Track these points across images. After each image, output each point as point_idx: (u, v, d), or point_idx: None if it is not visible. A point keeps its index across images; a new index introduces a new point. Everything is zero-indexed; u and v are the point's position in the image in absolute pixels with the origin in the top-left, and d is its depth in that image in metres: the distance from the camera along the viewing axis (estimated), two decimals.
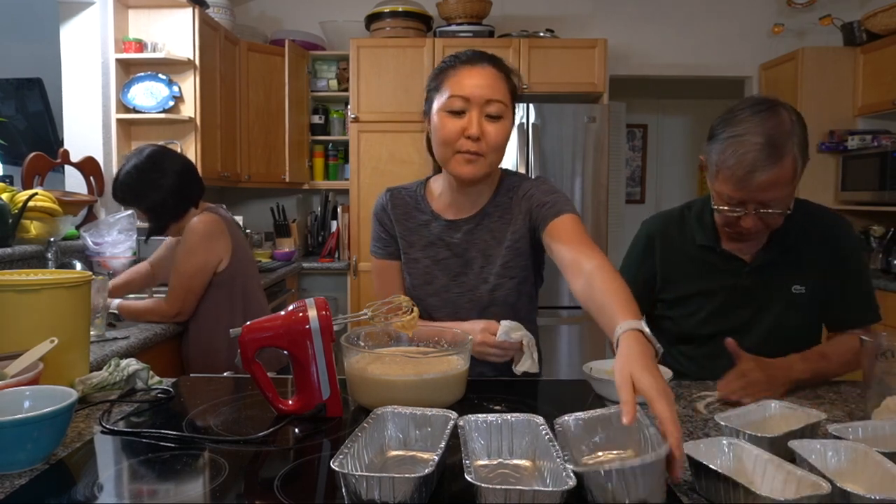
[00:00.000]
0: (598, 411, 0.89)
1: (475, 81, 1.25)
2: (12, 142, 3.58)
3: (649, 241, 1.50)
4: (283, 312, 1.06)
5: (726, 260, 1.41)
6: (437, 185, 1.41)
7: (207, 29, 3.38)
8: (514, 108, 1.31)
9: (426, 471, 0.73)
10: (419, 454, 0.90)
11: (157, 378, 1.25)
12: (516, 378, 1.34)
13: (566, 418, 0.89)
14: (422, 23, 3.85)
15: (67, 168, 2.95)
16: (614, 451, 0.87)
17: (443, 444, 0.81)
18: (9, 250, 2.18)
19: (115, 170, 3.10)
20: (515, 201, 1.36)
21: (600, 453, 0.88)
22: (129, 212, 2.53)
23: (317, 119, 4.19)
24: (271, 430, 0.99)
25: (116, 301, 2.06)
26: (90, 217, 2.92)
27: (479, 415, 0.89)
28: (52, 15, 3.10)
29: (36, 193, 2.33)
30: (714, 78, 4.40)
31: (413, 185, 1.44)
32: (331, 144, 4.24)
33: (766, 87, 4.21)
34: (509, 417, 0.89)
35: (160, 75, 3.23)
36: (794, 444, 0.81)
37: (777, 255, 1.39)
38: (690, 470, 0.81)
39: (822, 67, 3.82)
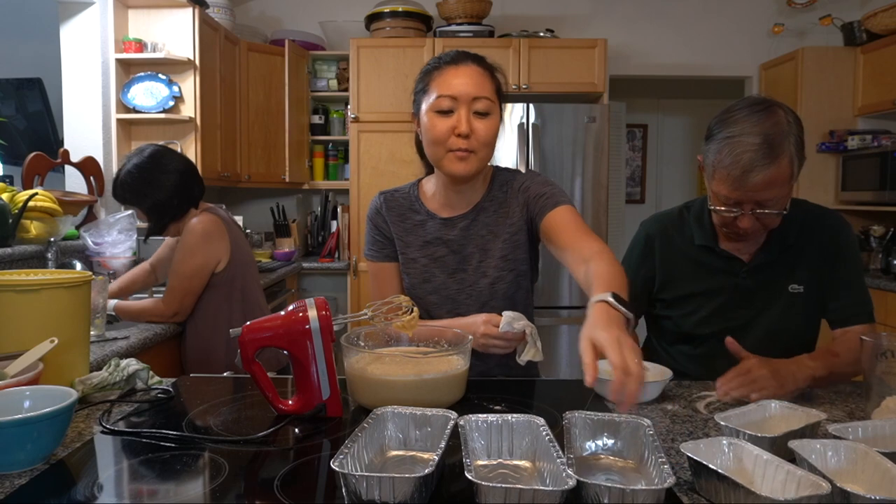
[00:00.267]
0: (609, 416, 0.90)
1: (461, 80, 1.27)
2: (12, 142, 3.58)
3: (648, 242, 1.50)
4: (283, 312, 1.06)
5: (725, 260, 1.41)
6: (430, 185, 1.43)
7: (207, 29, 3.38)
8: (500, 104, 1.33)
9: (426, 471, 0.73)
10: (419, 454, 0.90)
11: (157, 378, 1.25)
12: (517, 378, 1.34)
13: (576, 414, 0.90)
14: (422, 23, 3.85)
15: (67, 168, 2.95)
16: (616, 458, 0.88)
17: (443, 444, 0.81)
18: (9, 250, 2.18)
19: (115, 170, 3.10)
20: (511, 195, 1.37)
21: (602, 456, 0.88)
22: (129, 212, 2.53)
23: (317, 119, 4.19)
24: (271, 430, 0.99)
25: (113, 302, 2.05)
26: (90, 217, 2.92)
27: (479, 415, 0.89)
28: (52, 15, 3.10)
29: (36, 193, 2.33)
30: (714, 78, 4.40)
31: (406, 187, 1.45)
32: (331, 144, 4.24)
33: (766, 87, 4.21)
34: (509, 417, 0.89)
35: (160, 75, 3.23)
36: (794, 444, 0.81)
37: (776, 255, 1.39)
38: (690, 470, 0.81)
39: (822, 67, 3.82)
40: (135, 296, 2.27)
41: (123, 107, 3.21)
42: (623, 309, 0.97)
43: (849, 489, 0.69)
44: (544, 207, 1.31)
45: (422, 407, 0.93)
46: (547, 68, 3.68)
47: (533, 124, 3.55)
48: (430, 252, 1.40)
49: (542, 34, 3.80)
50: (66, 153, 2.89)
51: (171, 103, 3.25)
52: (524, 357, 1.22)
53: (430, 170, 1.44)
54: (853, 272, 1.39)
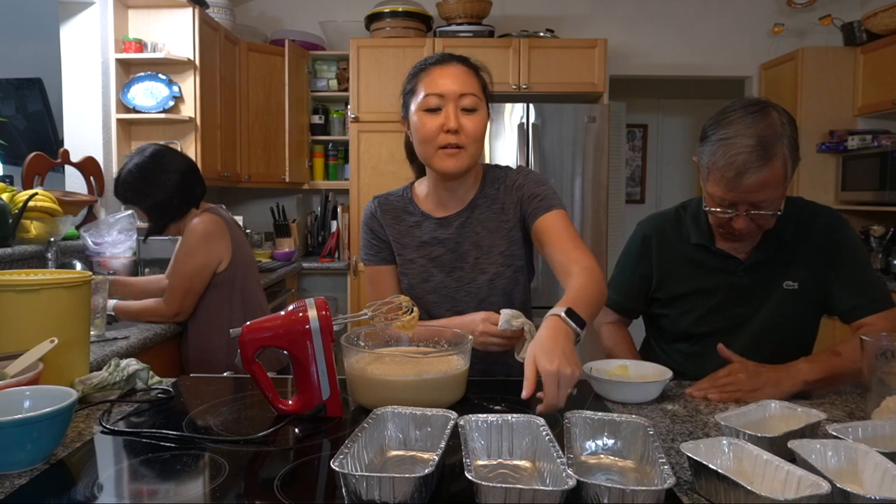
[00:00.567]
0: (610, 415, 0.90)
1: (447, 79, 1.30)
2: (12, 142, 3.59)
3: (645, 241, 1.51)
4: (283, 312, 1.06)
5: (721, 259, 1.42)
6: (423, 186, 1.45)
7: (207, 29, 3.38)
8: (487, 102, 1.35)
9: (426, 471, 0.73)
10: (419, 454, 0.90)
11: (157, 378, 1.25)
12: (517, 378, 1.34)
13: (577, 414, 0.90)
14: (422, 23, 3.84)
15: (67, 168, 2.95)
16: (616, 458, 0.88)
17: (443, 444, 0.81)
18: (9, 250, 2.18)
19: (115, 170, 3.11)
20: (504, 191, 1.39)
21: (602, 456, 0.88)
22: (129, 212, 2.53)
23: (317, 119, 4.19)
24: (271, 430, 0.99)
25: (113, 302, 2.05)
26: (90, 217, 2.92)
27: (479, 415, 0.89)
28: (52, 15, 3.10)
29: (36, 193, 2.33)
30: (714, 78, 4.40)
31: (399, 190, 1.48)
32: (331, 144, 4.24)
33: (766, 87, 4.21)
34: (509, 417, 0.89)
35: (160, 75, 3.23)
36: (794, 444, 0.81)
37: (772, 253, 1.39)
38: (690, 470, 0.81)
39: (822, 67, 3.82)
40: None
41: (123, 107, 3.21)
42: (573, 325, 1.04)
43: (849, 489, 0.69)
44: (537, 210, 1.33)
45: (422, 407, 0.93)
46: (547, 68, 3.68)
47: (533, 124, 3.55)
48: (426, 252, 1.41)
49: (542, 34, 3.80)
50: (66, 153, 2.89)
51: (171, 103, 3.25)
52: (522, 354, 1.22)
53: (420, 173, 1.47)
54: (857, 264, 1.38)
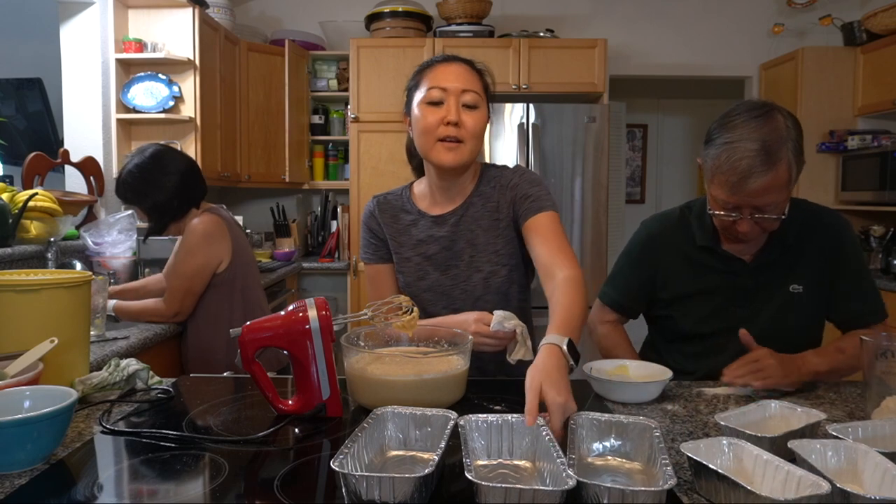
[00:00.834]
0: (616, 417, 0.90)
1: (451, 75, 1.33)
2: (12, 142, 3.58)
3: (649, 241, 1.51)
4: (283, 312, 1.06)
5: (726, 261, 1.41)
6: (421, 186, 1.47)
7: (207, 29, 3.38)
8: (488, 102, 1.37)
9: (426, 471, 0.73)
10: (419, 454, 0.90)
11: (157, 378, 1.25)
12: (517, 378, 1.34)
13: (583, 416, 0.90)
14: (422, 23, 3.84)
15: (67, 168, 2.95)
16: (623, 460, 0.88)
17: (443, 444, 0.81)
18: (9, 250, 2.18)
19: (115, 170, 3.11)
20: (500, 190, 1.40)
21: (609, 458, 0.88)
22: (129, 212, 2.53)
23: (317, 119, 4.19)
24: (271, 430, 0.99)
25: (113, 302, 2.05)
26: (90, 217, 2.92)
27: (479, 415, 0.89)
28: (52, 15, 3.10)
29: (36, 193, 2.33)
30: (714, 78, 4.40)
31: (398, 190, 1.49)
32: (331, 144, 4.24)
33: (766, 87, 4.21)
34: (509, 417, 0.89)
35: (160, 75, 3.23)
36: (794, 444, 0.81)
37: (777, 256, 1.39)
38: (690, 470, 0.81)
39: (822, 67, 3.82)
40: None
41: (123, 107, 3.21)
42: (571, 361, 1.03)
43: (849, 489, 0.69)
44: (528, 210, 1.33)
45: (422, 407, 0.93)
46: (547, 68, 3.68)
47: (533, 124, 3.55)
48: (422, 250, 1.42)
49: (542, 34, 3.80)
50: (66, 153, 2.89)
51: (171, 103, 3.25)
52: (514, 356, 1.23)
53: (419, 173, 1.48)
54: (857, 273, 1.39)
